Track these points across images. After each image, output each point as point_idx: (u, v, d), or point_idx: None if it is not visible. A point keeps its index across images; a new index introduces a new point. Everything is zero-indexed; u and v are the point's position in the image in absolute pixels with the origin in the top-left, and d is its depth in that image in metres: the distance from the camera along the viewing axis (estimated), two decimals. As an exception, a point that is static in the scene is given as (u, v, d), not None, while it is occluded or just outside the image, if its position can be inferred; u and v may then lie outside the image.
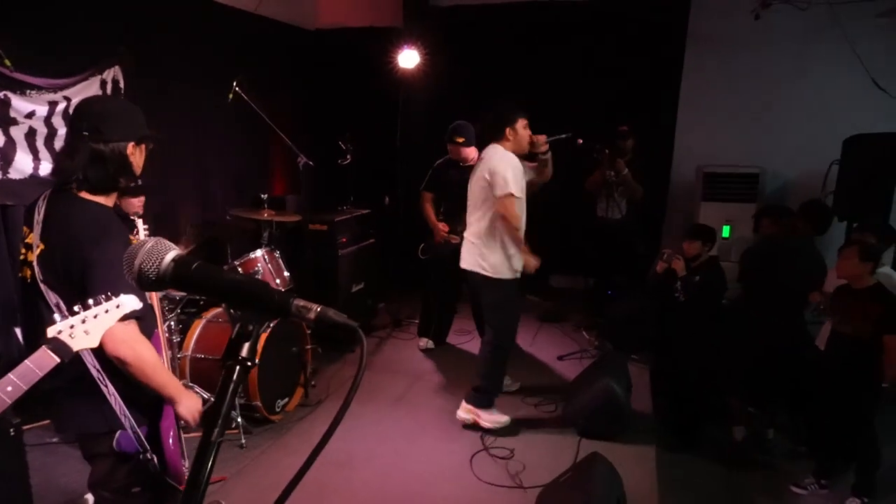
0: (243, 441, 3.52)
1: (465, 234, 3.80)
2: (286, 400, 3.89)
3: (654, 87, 5.96)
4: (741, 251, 4.39)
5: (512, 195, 3.40)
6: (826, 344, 3.28)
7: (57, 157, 1.83)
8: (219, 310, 3.87)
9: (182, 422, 1.95)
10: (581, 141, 4.40)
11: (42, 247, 1.75)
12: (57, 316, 1.43)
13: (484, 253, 3.61)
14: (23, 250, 1.85)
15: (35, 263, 1.75)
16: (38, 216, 1.80)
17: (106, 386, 1.75)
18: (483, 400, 3.75)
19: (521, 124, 3.55)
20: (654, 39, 5.81)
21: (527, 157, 3.70)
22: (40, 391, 1.73)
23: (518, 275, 3.66)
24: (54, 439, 3.53)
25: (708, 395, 3.75)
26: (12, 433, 2.59)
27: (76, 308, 1.46)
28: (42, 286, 1.72)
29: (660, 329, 4.51)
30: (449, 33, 6.09)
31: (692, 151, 5.98)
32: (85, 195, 1.82)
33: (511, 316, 3.80)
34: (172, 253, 0.85)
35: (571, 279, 6.68)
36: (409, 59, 5.41)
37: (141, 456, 1.86)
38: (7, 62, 2.97)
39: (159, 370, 1.79)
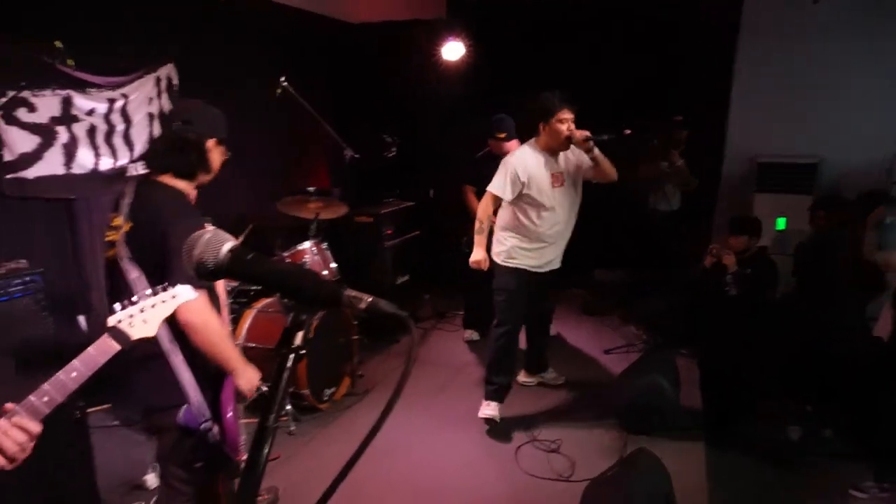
0: (292, 428, 3.61)
1: None
2: (333, 389, 3.96)
3: (706, 76, 5.78)
4: (797, 244, 4.24)
5: (490, 193, 3.53)
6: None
7: (149, 145, 2.04)
8: (269, 300, 3.95)
9: (240, 396, 2.05)
10: (629, 131, 4.31)
11: (130, 224, 1.91)
12: (117, 305, 1.48)
13: (497, 238, 3.73)
14: (109, 233, 1.99)
15: (121, 242, 1.89)
16: (126, 199, 1.97)
17: (175, 360, 1.86)
18: (487, 389, 3.78)
19: (559, 117, 3.35)
20: (706, 26, 5.63)
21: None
22: (108, 369, 1.87)
23: (526, 269, 3.61)
24: (115, 422, 3.70)
25: (740, 391, 3.65)
26: (77, 416, 2.73)
27: (134, 298, 1.51)
28: (124, 264, 1.84)
29: (693, 324, 4.42)
30: (490, 24, 6.04)
31: (745, 141, 5.78)
32: (167, 179, 2.00)
33: (508, 306, 3.70)
34: (229, 244, 0.88)
35: (616, 273, 6.58)
36: (453, 50, 5.39)
37: (202, 425, 1.95)
38: (70, 62, 3.10)
39: (225, 341, 1.92)
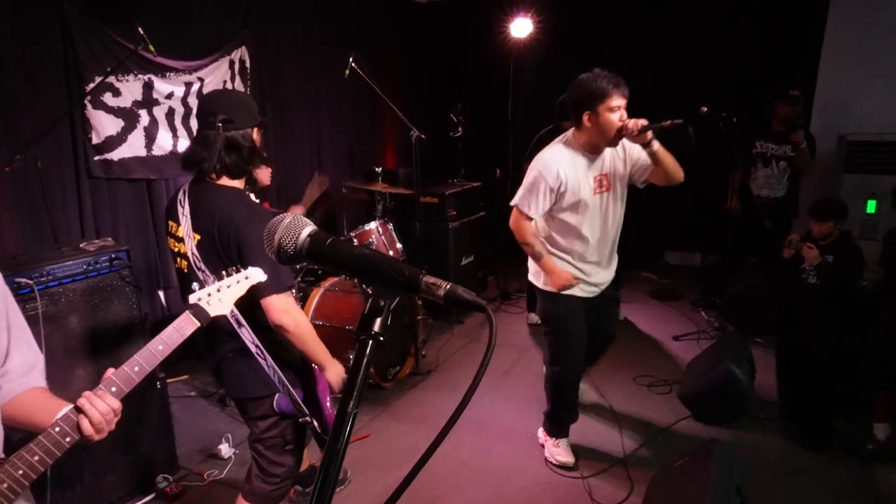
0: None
1: None
2: (397, 368, 4.01)
3: (792, 46, 5.44)
4: (886, 231, 3.95)
5: (518, 210, 2.82)
6: None
7: (190, 150, 1.96)
8: (336, 279, 4.04)
9: (330, 389, 2.12)
10: (706, 109, 4.11)
11: (198, 237, 1.90)
12: (195, 285, 1.54)
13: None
14: (173, 244, 2.02)
15: (192, 253, 1.90)
16: (184, 209, 1.94)
17: (265, 359, 1.94)
18: (550, 425, 3.26)
19: (607, 106, 2.54)
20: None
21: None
22: (212, 363, 2.08)
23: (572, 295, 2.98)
24: (192, 393, 3.89)
25: (840, 386, 3.45)
26: (159, 386, 2.89)
27: (211, 279, 1.57)
28: (199, 273, 1.88)
29: (784, 311, 4.19)
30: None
31: (833, 117, 5.41)
32: (222, 182, 1.95)
33: (559, 338, 3.11)
34: (308, 228, 0.88)
35: (687, 255, 6.35)
36: (521, 27, 5.28)
37: (300, 419, 2.04)
38: (151, 48, 3.22)
39: (314, 337, 1.97)
